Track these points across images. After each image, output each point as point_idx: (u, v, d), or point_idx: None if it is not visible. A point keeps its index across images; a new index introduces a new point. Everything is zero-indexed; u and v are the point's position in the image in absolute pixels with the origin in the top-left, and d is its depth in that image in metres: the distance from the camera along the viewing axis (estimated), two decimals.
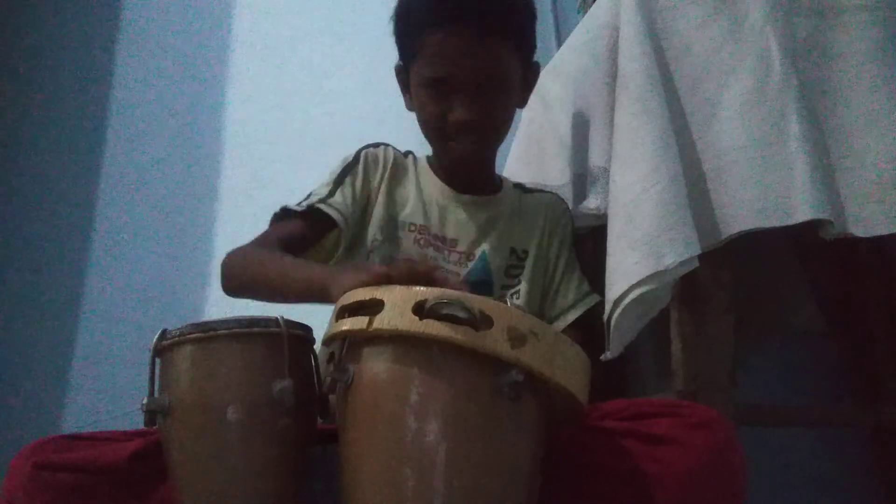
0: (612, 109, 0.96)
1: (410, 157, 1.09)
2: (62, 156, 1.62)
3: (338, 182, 1.01)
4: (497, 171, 1.11)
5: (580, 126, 1.08)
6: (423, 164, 1.08)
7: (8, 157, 1.61)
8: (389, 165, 1.04)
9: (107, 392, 1.45)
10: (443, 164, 1.05)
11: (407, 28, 0.97)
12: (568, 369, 0.61)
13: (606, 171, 0.96)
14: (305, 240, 0.97)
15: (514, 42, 0.95)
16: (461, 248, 1.01)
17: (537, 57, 1.02)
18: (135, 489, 0.74)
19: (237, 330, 0.67)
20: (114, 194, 1.59)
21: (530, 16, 0.99)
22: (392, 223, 1.01)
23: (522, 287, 1.01)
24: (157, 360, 0.69)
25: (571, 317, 1.01)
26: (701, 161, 0.92)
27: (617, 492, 0.71)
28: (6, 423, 1.41)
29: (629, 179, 0.90)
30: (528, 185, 1.12)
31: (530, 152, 1.28)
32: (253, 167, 1.62)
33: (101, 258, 1.55)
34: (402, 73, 1.02)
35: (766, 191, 0.87)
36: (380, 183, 1.03)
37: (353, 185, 1.01)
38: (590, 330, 0.99)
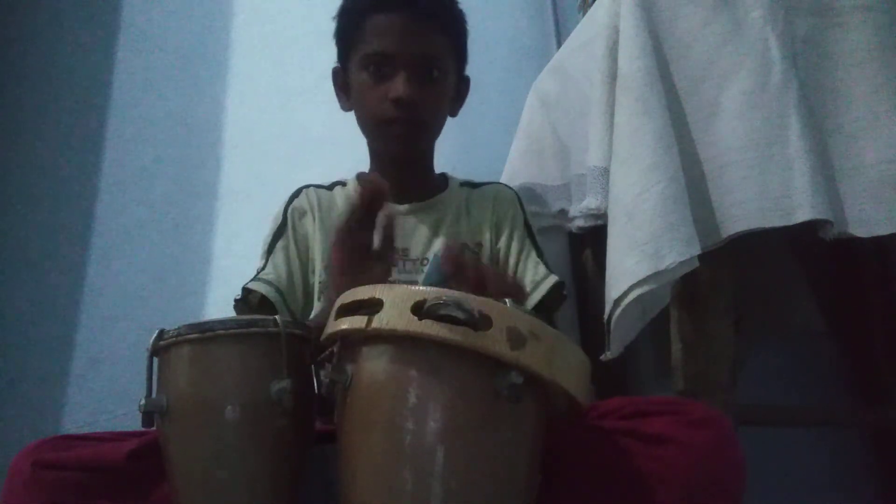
0: (612, 109, 0.96)
1: (337, 187, 1.09)
2: (62, 156, 1.61)
3: (269, 250, 1.03)
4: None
5: (580, 126, 1.08)
6: (353, 187, 1.08)
7: (7, 156, 1.61)
8: (316, 207, 1.05)
9: (107, 392, 1.44)
10: (378, 166, 1.06)
11: (350, 17, 1.02)
12: (567, 370, 0.61)
13: (606, 171, 0.96)
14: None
15: (450, 41, 1.01)
16: (413, 255, 1.01)
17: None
18: (134, 487, 0.74)
19: (235, 330, 0.67)
20: (114, 194, 1.59)
21: (464, 26, 1.05)
22: None
23: None
24: (155, 360, 0.69)
25: (529, 305, 0.99)
26: (701, 161, 0.92)
27: (617, 491, 0.71)
28: (6, 423, 1.41)
29: (629, 179, 0.90)
30: (476, 181, 1.12)
31: (530, 152, 1.27)
32: (253, 167, 1.62)
33: (101, 258, 1.55)
34: (339, 75, 1.06)
35: (766, 191, 0.87)
36: (314, 227, 1.04)
37: (285, 249, 1.03)
38: (549, 313, 1.00)
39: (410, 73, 0.96)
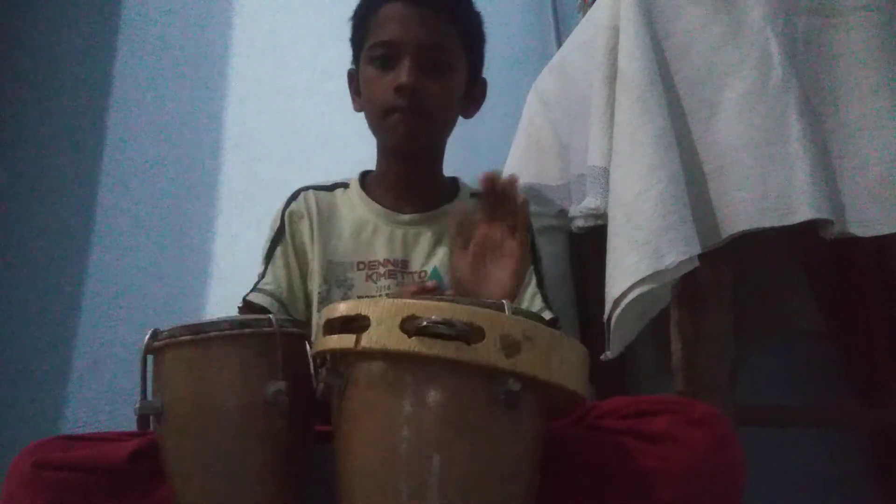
0: (612, 109, 0.96)
1: (339, 190, 1.07)
2: (62, 155, 1.61)
3: (268, 257, 1.02)
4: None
5: (580, 126, 1.08)
6: (356, 191, 1.06)
7: (8, 156, 1.61)
8: (314, 212, 1.03)
9: (107, 392, 1.44)
10: (385, 167, 1.04)
11: (360, 14, 1.02)
12: (566, 367, 0.60)
13: (606, 171, 0.95)
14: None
15: (461, 35, 0.99)
16: (413, 268, 1.00)
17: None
18: (135, 488, 0.74)
19: (229, 331, 0.66)
20: (114, 194, 1.59)
21: (479, 26, 1.04)
22: (335, 267, 1.00)
23: None
24: (149, 360, 0.68)
25: None
26: (701, 161, 0.92)
27: (617, 490, 0.71)
28: (6, 423, 1.41)
29: (629, 179, 0.89)
30: None
31: (530, 152, 1.27)
32: (253, 167, 1.62)
33: (101, 258, 1.55)
34: (354, 78, 1.05)
35: (767, 191, 0.87)
36: (311, 234, 1.02)
37: (284, 255, 1.01)
38: None
39: (415, 62, 0.95)
